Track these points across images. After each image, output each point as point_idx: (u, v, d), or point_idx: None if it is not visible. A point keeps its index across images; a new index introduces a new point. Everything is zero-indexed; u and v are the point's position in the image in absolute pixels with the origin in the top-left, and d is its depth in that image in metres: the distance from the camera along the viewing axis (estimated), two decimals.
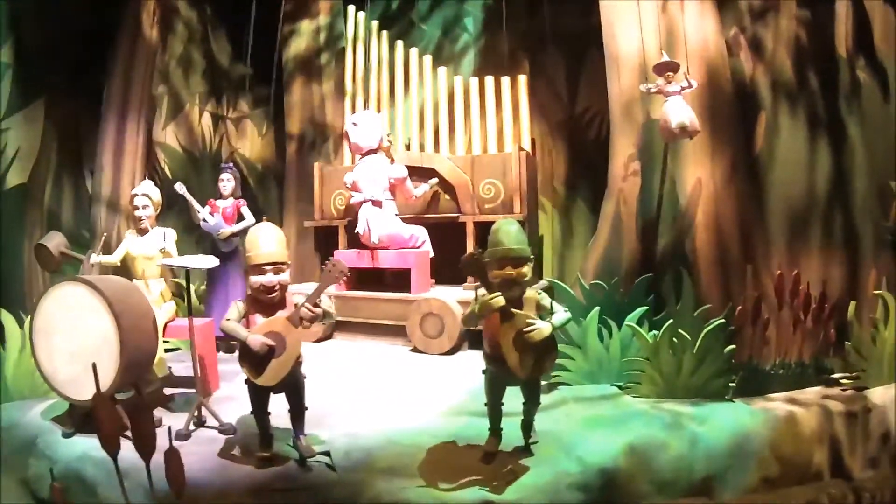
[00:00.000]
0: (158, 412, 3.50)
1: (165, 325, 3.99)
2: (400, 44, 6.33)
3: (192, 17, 7.69)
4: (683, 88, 3.99)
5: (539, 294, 2.78)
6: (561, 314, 2.74)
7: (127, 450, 2.23)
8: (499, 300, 2.63)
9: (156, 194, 4.25)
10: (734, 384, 3.57)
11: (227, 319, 2.81)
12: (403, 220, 5.39)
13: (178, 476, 2.19)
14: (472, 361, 4.36)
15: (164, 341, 4.39)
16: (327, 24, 7.49)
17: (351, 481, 2.68)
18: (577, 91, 6.33)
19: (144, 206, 4.14)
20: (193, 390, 3.57)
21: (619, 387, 3.70)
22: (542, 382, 3.80)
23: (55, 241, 4.12)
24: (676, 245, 4.23)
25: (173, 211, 6.80)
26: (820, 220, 4.25)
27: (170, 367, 4.15)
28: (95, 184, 6.13)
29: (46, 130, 5.77)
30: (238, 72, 8.29)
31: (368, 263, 5.27)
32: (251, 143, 8.58)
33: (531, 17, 6.38)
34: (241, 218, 5.74)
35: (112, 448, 2.16)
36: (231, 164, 5.86)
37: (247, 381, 2.80)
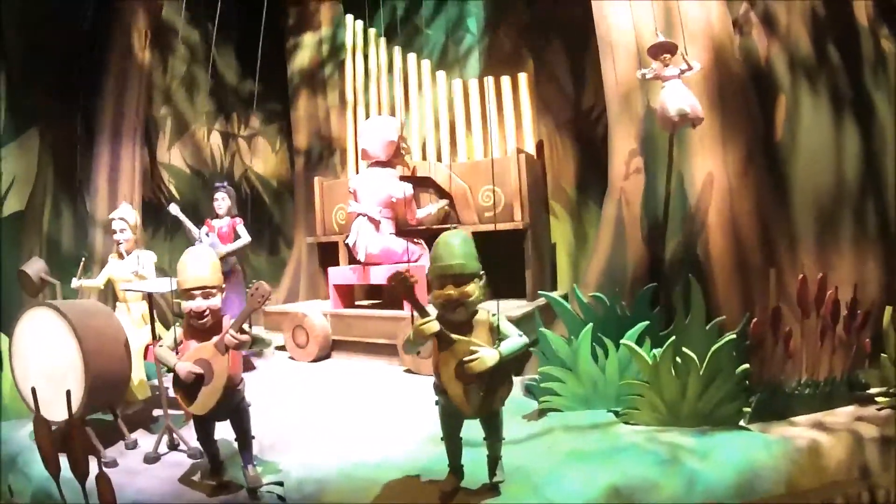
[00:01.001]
0: (137, 434, 3.44)
1: (147, 347, 3.94)
2: (397, 50, 6.06)
3: (193, 37, 7.66)
4: (683, 71, 3.60)
5: (493, 316, 2.41)
6: (513, 340, 2.36)
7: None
8: (432, 325, 2.29)
9: (133, 217, 4.28)
10: (750, 409, 3.11)
11: (161, 345, 2.76)
12: (400, 232, 5.09)
13: (109, 501, 2.19)
14: None
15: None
16: (329, 35, 7.35)
17: None
18: (584, 86, 5.88)
19: (122, 230, 4.21)
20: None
21: (617, 413, 3.27)
22: (535, 408, 3.46)
23: (35, 267, 4.15)
24: (687, 249, 3.81)
25: (182, 230, 6.76)
26: (850, 214, 3.72)
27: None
28: (91, 207, 6.13)
29: (42, 156, 5.80)
30: (247, 89, 8.23)
31: (361, 279, 4.99)
32: (265, 159, 8.52)
33: (532, 11, 6.01)
34: (237, 237, 5.63)
35: (53, 469, 2.28)
36: (224, 183, 5.75)
37: None
